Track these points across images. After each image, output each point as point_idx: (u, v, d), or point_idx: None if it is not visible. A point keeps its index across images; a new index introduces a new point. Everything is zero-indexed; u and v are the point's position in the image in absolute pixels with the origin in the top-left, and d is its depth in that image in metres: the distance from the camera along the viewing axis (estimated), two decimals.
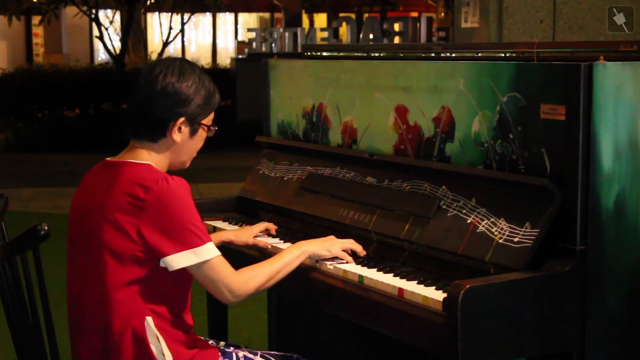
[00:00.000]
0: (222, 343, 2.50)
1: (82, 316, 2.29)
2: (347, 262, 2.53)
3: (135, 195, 2.20)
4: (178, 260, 2.21)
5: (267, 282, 2.36)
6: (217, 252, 2.26)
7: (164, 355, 2.23)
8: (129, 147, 2.35)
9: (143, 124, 2.31)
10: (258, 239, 2.82)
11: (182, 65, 2.34)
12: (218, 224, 3.12)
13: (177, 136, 2.32)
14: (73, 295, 2.33)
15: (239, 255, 2.75)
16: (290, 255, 2.45)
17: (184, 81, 2.30)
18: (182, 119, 2.31)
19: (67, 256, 2.34)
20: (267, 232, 2.89)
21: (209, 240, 2.25)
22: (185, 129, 2.33)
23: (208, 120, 2.38)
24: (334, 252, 2.54)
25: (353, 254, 2.58)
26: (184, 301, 2.33)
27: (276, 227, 2.90)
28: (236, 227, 3.07)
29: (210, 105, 2.37)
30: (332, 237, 2.60)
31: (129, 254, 2.20)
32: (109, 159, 2.36)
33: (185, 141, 2.35)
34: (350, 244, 2.59)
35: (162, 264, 2.22)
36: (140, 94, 2.30)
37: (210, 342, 2.46)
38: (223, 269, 2.26)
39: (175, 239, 2.20)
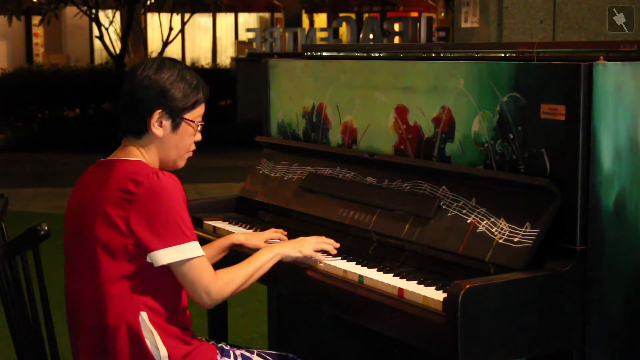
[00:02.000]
0: (222, 343, 2.50)
1: (79, 312, 2.31)
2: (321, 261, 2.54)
3: (126, 189, 2.22)
4: (162, 256, 2.21)
5: (242, 285, 2.36)
6: (201, 253, 2.26)
7: (158, 349, 2.24)
8: (120, 146, 2.38)
9: (126, 119, 2.35)
10: (271, 242, 2.75)
11: (163, 60, 2.37)
12: (218, 224, 3.12)
13: (157, 130, 2.33)
14: (70, 292, 2.34)
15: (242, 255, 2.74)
16: (263, 258, 2.44)
17: (161, 74, 2.33)
18: (159, 111, 2.32)
19: (63, 254, 2.35)
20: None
21: (195, 239, 2.25)
22: (166, 123, 2.34)
23: (193, 116, 2.37)
24: (306, 252, 2.54)
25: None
26: (179, 297, 2.33)
27: (286, 232, 2.83)
28: (236, 227, 3.07)
29: (191, 99, 2.36)
30: (302, 237, 2.60)
31: (120, 247, 2.21)
32: (101, 159, 2.38)
33: (168, 136, 2.35)
34: (322, 242, 2.59)
35: (148, 259, 2.23)
36: (124, 90, 2.35)
37: (211, 342, 2.46)
38: (204, 271, 2.26)
39: (161, 233, 2.21)
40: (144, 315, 2.25)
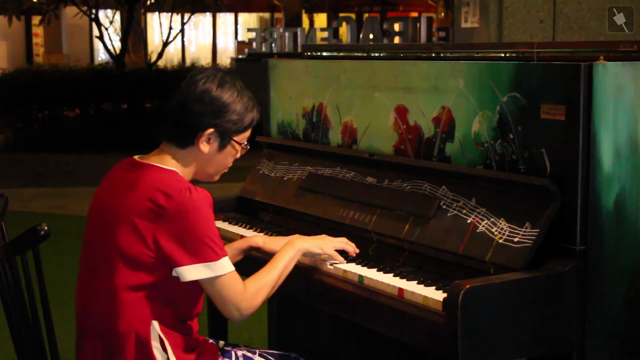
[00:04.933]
0: (221, 342, 2.50)
1: (89, 315, 2.29)
2: (339, 262, 2.53)
3: (156, 201, 2.18)
4: (191, 272, 2.19)
5: (271, 291, 2.35)
6: (231, 268, 2.23)
7: (169, 359, 2.23)
8: (158, 149, 2.33)
9: (174, 127, 2.30)
10: None
11: (224, 76, 2.32)
12: (218, 223, 3.10)
13: (204, 147, 2.29)
14: (82, 293, 2.32)
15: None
16: (287, 257, 2.42)
17: (222, 92, 2.28)
18: (211, 130, 2.27)
19: (81, 250, 2.33)
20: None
21: (225, 255, 2.22)
22: (215, 142, 2.30)
23: (242, 138, 2.34)
24: (327, 251, 2.53)
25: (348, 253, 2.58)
26: (194, 306, 2.31)
27: None
28: (236, 226, 3.07)
29: (244, 122, 2.32)
30: (325, 235, 2.59)
31: (141, 258, 2.19)
32: (137, 157, 2.33)
33: (213, 154, 2.31)
34: (343, 243, 2.57)
35: (174, 273, 2.20)
36: (178, 97, 2.29)
37: (211, 341, 2.45)
38: (234, 286, 2.23)
39: (191, 250, 2.18)
40: (155, 324, 2.23)
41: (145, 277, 2.20)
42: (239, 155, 2.39)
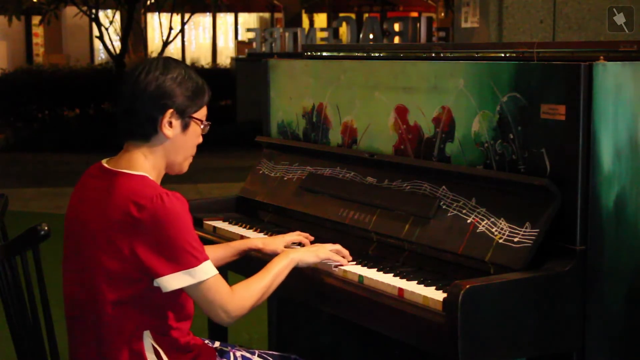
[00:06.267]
0: (217, 343, 2.49)
1: (78, 325, 2.27)
2: (340, 264, 2.52)
3: (129, 213, 2.14)
4: (172, 282, 2.15)
5: (261, 298, 2.31)
6: (214, 272, 2.20)
7: None
8: (123, 151, 2.30)
9: (133, 122, 2.26)
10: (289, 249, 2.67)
11: (166, 60, 2.31)
12: (218, 224, 3.12)
13: (168, 131, 2.26)
14: (69, 303, 2.30)
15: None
16: (280, 266, 2.40)
17: (168, 74, 2.26)
18: (170, 111, 2.25)
19: (62, 260, 2.31)
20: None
21: (206, 259, 2.19)
22: (176, 123, 2.27)
23: (200, 115, 2.33)
24: (322, 257, 2.51)
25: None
26: (183, 310, 2.28)
27: (312, 238, 2.77)
28: (236, 226, 3.07)
29: (199, 98, 2.31)
30: (318, 244, 2.57)
31: (122, 273, 2.16)
32: (104, 162, 2.30)
33: (178, 137, 2.28)
34: (337, 252, 2.55)
35: (155, 284, 2.17)
36: (127, 93, 2.26)
37: (206, 341, 2.45)
38: (219, 290, 2.20)
39: (170, 259, 2.14)
40: (147, 334, 2.21)
41: (128, 290, 2.17)
42: (204, 130, 2.36)
